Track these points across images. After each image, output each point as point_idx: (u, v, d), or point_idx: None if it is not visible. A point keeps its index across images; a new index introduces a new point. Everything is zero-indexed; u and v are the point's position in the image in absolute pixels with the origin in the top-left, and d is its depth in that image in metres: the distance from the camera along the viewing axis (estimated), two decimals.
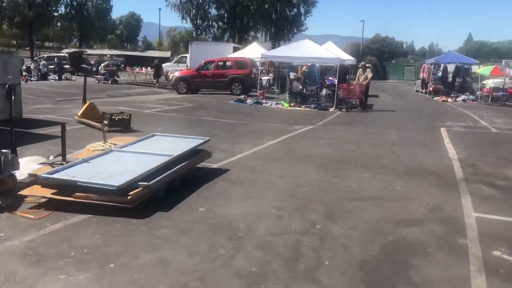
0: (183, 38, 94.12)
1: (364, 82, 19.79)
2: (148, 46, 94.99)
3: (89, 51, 51.74)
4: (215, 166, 8.39)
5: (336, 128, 14.28)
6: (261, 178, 7.71)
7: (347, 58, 28.52)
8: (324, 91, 21.79)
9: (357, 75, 19.66)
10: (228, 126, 13.62)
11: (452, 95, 28.03)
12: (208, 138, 8.59)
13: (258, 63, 24.35)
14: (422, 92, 32.32)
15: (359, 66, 20.41)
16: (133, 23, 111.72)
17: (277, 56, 21.81)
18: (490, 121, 16.76)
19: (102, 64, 34.38)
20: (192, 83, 25.56)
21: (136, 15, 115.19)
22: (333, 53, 23.52)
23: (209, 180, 7.38)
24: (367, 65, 22.03)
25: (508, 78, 26.56)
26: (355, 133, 13.29)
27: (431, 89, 29.75)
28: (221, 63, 26.16)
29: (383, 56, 73.62)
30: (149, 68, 34.98)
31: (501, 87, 27.17)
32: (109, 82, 31.39)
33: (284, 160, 9.28)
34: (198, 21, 68.55)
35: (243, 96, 21.97)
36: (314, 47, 21.99)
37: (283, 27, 66.73)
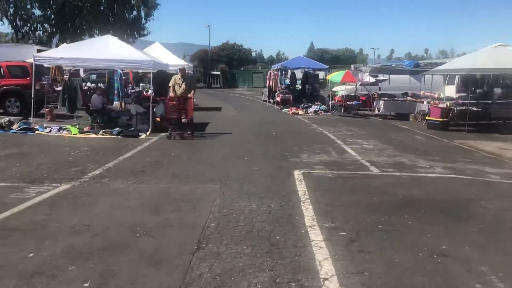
0: None
1: (191, 95, 13.17)
2: None
3: None
4: None
5: (108, 191, 7.32)
6: None
7: (177, 64, 21.75)
8: (133, 108, 14.73)
9: (171, 84, 12.96)
10: None
11: (303, 105, 23.30)
12: None
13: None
14: (270, 102, 27.28)
15: (178, 69, 13.70)
16: None
17: (54, 58, 13.97)
18: (359, 149, 11.42)
19: None
20: None
21: None
22: (150, 56, 16.58)
23: None
24: (188, 71, 15.56)
25: (360, 84, 22.65)
26: (139, 208, 6.42)
27: (279, 99, 24.72)
28: None
29: (232, 64, 69.26)
30: None
31: (353, 94, 23.19)
32: None
33: None
34: (18, 22, 56.10)
35: (8, 119, 13.72)
36: (119, 46, 14.76)
37: (122, 30, 57.88)
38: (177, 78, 13.05)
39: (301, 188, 7.35)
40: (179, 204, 6.40)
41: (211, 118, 18.47)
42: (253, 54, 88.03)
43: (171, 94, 12.92)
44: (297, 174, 8.34)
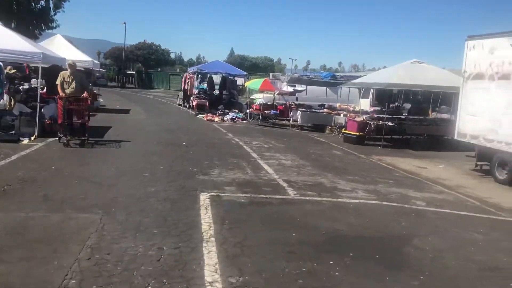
0: None
1: (86, 95, 11.09)
2: None
3: None
4: None
5: None
6: None
7: (84, 59, 19.24)
8: (16, 108, 12.29)
9: (59, 81, 10.74)
10: None
11: (219, 111, 21.92)
12: None
13: None
14: (185, 107, 25.56)
15: (67, 64, 11.56)
16: None
17: None
18: (276, 165, 10.23)
19: None
20: None
21: None
22: (43, 48, 14.15)
23: None
24: (93, 68, 13.47)
25: (278, 93, 21.79)
26: None
27: (194, 104, 23.10)
28: None
29: (149, 64, 66.07)
30: None
31: (271, 103, 22.28)
32: None
33: None
34: None
35: None
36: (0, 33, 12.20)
37: (26, 20, 52.44)
38: (65, 75, 10.92)
39: (207, 219, 5.88)
40: (34, 246, 4.61)
41: (116, 122, 16.39)
42: (172, 55, 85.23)
43: (60, 93, 10.78)
44: (204, 198, 6.87)
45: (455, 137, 12.29)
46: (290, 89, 21.03)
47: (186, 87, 24.93)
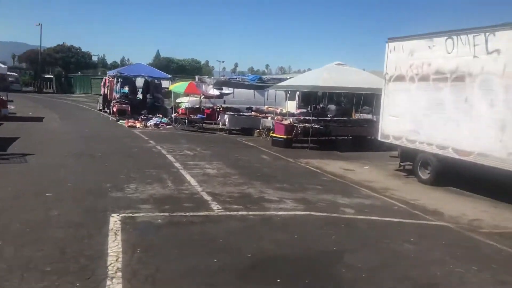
0: None
1: None
2: None
3: None
4: None
5: None
6: None
7: None
8: None
9: None
10: None
11: (142, 117, 20.72)
12: None
13: None
14: (106, 112, 23.94)
15: None
16: None
17: None
18: (201, 175, 9.49)
19: None
20: None
21: None
22: None
23: None
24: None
25: (204, 96, 21.03)
26: None
27: (115, 109, 21.66)
28: None
29: (69, 67, 62.13)
30: None
31: (197, 106, 21.46)
32: None
33: None
34: None
35: None
36: None
37: None
38: None
39: (115, 247, 5.05)
40: None
41: (25, 132, 14.77)
42: (95, 58, 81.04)
43: None
44: (115, 221, 6.00)
45: (379, 139, 12.34)
46: (217, 92, 20.37)
47: (105, 92, 23.36)
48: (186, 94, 20.08)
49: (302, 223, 6.45)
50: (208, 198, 7.55)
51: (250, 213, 6.79)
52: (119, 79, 22.27)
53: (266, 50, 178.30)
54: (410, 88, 11.15)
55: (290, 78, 22.24)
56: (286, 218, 6.67)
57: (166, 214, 6.48)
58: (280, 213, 6.90)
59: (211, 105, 21.54)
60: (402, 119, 11.40)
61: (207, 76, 21.77)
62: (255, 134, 18.61)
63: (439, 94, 10.22)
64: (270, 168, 11.21)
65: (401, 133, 11.36)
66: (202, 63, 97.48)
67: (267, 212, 6.89)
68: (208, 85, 20.20)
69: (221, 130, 19.23)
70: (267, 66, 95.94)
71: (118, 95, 22.19)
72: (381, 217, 7.18)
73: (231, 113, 19.07)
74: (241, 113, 19.56)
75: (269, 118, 18.17)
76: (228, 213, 6.74)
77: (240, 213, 6.77)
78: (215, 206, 7.07)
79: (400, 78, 11.53)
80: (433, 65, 10.41)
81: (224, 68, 78.28)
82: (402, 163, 11.95)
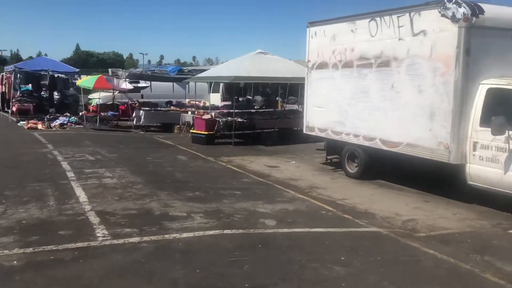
0: None
1: None
2: None
3: None
4: None
5: None
6: None
7: None
8: None
9: None
10: None
11: (48, 116, 18.22)
12: None
13: None
14: (7, 112, 20.96)
15: None
16: None
17: None
18: (95, 187, 7.76)
19: None
20: None
21: None
22: None
23: None
24: None
25: (117, 91, 18.94)
26: None
27: (14, 109, 18.92)
28: None
29: None
30: None
31: (111, 103, 19.33)
32: None
33: None
34: None
35: None
36: None
37: None
38: None
39: None
40: None
41: None
42: (7, 53, 73.67)
43: None
44: None
45: (304, 131, 11.33)
46: (130, 86, 18.35)
47: (3, 90, 20.39)
48: (95, 89, 17.89)
49: (209, 249, 5.06)
50: (95, 220, 5.93)
51: (145, 239, 5.29)
52: (18, 75, 19.44)
53: (193, 41, 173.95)
54: (333, 76, 10.18)
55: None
56: (190, 243, 5.25)
57: (29, 250, 4.81)
58: (184, 235, 5.45)
59: (126, 101, 19.49)
60: (327, 109, 10.42)
61: (120, 69, 19.63)
62: (175, 130, 17.00)
63: (364, 81, 9.32)
64: (184, 171, 9.72)
65: (326, 125, 10.39)
66: (126, 56, 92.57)
67: (167, 236, 5.41)
68: (121, 78, 18.12)
69: (137, 127, 17.37)
70: (194, 58, 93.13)
71: (18, 93, 19.39)
72: (306, 227, 6.02)
73: (147, 108, 17.23)
74: (159, 108, 17.78)
75: (189, 112, 16.59)
76: (115, 241, 5.18)
77: (131, 240, 5.24)
78: (101, 232, 5.48)
79: (323, 65, 10.53)
80: (356, 50, 9.48)
81: (149, 61, 74.39)
82: (328, 157, 11.04)
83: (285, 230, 5.84)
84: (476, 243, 5.78)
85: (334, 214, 6.85)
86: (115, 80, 17.75)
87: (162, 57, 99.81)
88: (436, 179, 8.21)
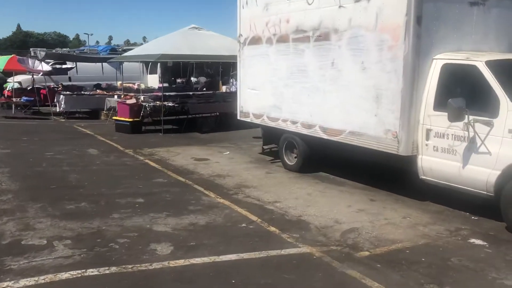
0: None
1: None
2: None
3: None
4: None
5: None
6: None
7: None
8: None
9: None
10: None
11: None
12: None
13: None
14: None
15: None
16: None
17: None
18: None
19: None
20: None
21: None
22: None
23: None
24: None
25: (39, 74, 16.48)
26: None
27: None
28: None
29: None
30: None
31: (31, 87, 16.84)
32: None
33: None
34: None
35: None
36: None
37: None
38: None
39: None
40: None
41: None
42: None
43: None
44: None
45: (238, 117, 9.71)
46: (47, 67, 15.92)
47: None
48: (6, 71, 15.39)
49: None
50: None
51: None
52: None
53: (143, 20, 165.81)
54: (268, 53, 8.55)
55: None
56: None
57: None
58: (21, 283, 3.67)
59: (49, 85, 17.05)
60: (261, 92, 8.83)
61: (40, 49, 17.13)
62: (102, 117, 14.94)
63: (301, 58, 7.74)
64: (83, 171, 7.81)
65: (261, 110, 8.81)
66: (72, 37, 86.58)
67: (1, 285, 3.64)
68: (39, 59, 15.67)
69: (59, 114, 15.13)
70: (144, 38, 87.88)
71: None
72: (212, 254, 4.40)
73: (67, 92, 14.97)
74: (83, 92, 15.55)
75: (116, 96, 14.52)
76: None
77: None
78: None
79: (256, 40, 8.87)
80: (292, 21, 7.87)
81: (97, 41, 69.40)
82: (265, 147, 9.51)
83: (180, 262, 4.17)
84: (433, 262, 4.41)
85: (257, 228, 5.29)
86: (30, 61, 15.27)
87: (111, 38, 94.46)
88: (383, 172, 6.89)
